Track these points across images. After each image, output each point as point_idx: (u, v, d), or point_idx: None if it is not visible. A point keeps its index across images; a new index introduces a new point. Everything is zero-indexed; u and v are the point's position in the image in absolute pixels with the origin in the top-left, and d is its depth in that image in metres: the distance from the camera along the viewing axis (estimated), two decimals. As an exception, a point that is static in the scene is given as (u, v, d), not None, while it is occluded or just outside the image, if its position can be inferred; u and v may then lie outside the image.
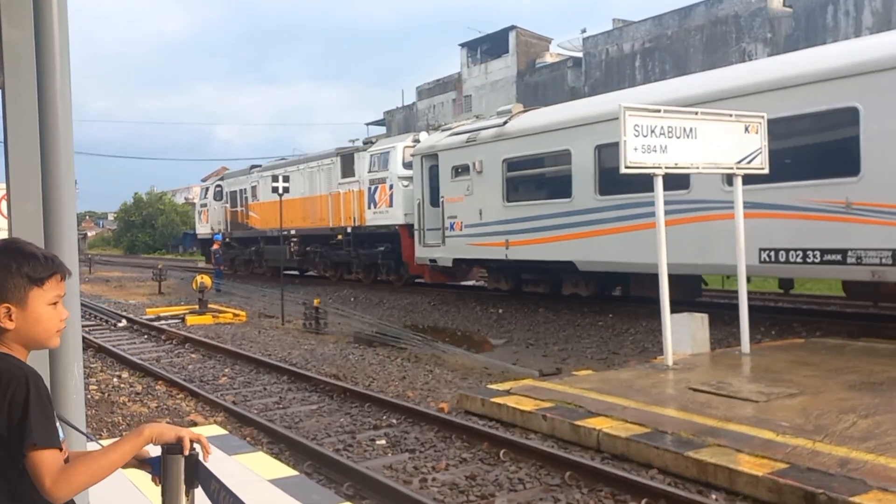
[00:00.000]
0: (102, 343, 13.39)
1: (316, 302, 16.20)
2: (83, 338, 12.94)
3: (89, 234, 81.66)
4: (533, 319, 14.87)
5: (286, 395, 9.28)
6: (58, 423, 1.77)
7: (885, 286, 10.00)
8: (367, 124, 55.96)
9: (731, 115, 9.00)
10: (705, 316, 9.84)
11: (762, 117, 9.16)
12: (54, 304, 1.85)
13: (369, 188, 20.80)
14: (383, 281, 21.48)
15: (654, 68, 32.75)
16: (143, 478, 2.01)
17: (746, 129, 9.06)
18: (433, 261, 18.10)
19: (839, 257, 9.08)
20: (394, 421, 7.71)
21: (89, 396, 9.21)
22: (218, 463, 4.89)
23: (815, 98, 10.06)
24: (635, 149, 8.15)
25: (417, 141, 19.74)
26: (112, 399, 9.29)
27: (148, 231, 66.02)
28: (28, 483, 1.73)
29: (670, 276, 9.87)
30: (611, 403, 6.99)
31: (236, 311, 18.18)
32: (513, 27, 40.51)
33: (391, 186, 19.88)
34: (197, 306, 18.11)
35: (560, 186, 14.24)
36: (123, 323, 16.70)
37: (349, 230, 21.83)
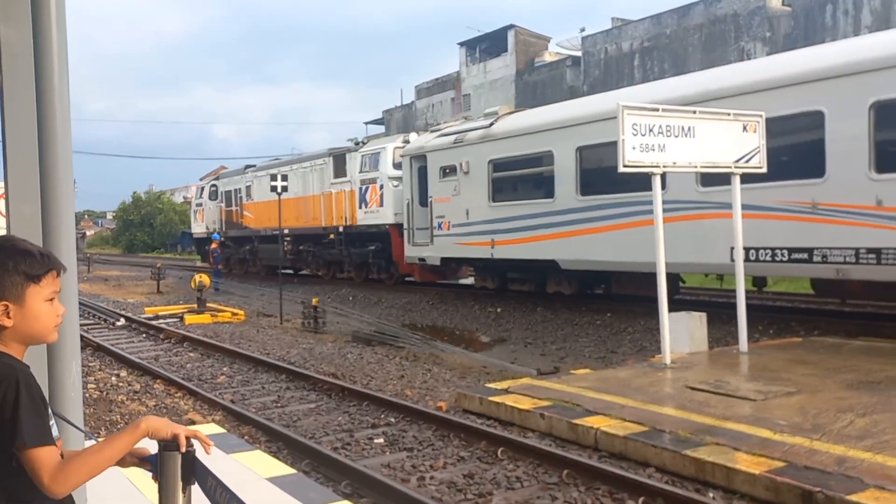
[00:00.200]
0: (101, 342, 13.39)
1: (314, 301, 16.20)
2: (82, 336, 12.94)
3: (88, 233, 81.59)
4: (531, 318, 14.89)
5: (284, 393, 9.29)
6: (52, 421, 1.77)
7: (851, 284, 10.34)
8: (366, 123, 56.00)
9: (729, 114, 9.00)
10: (703, 315, 9.85)
11: (760, 116, 9.18)
12: (51, 300, 1.85)
13: (360, 188, 21.12)
14: (374, 279, 21.77)
15: (652, 67, 32.76)
16: (140, 475, 2.02)
17: (745, 128, 9.06)
18: (422, 259, 18.41)
19: (806, 256, 9.34)
20: (392, 419, 7.72)
21: (88, 395, 9.22)
22: (216, 461, 4.89)
23: (784, 102, 10.26)
24: (633, 148, 8.14)
25: (407, 142, 20.03)
26: (110, 397, 9.29)
27: (146, 230, 65.93)
28: (23, 483, 1.73)
29: (648, 275, 10.03)
30: (608, 402, 7.00)
31: (235, 310, 18.17)
32: (511, 26, 40.52)
33: (381, 186, 20.20)
34: (195, 305, 18.11)
35: (543, 187, 14.60)
36: (122, 322, 16.70)
37: (341, 229, 22.14)
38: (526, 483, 5.63)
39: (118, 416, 8.33)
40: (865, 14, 26.50)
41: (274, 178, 18.54)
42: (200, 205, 33.00)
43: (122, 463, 1.92)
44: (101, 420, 8.16)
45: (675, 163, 8.52)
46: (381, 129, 51.11)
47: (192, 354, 12.55)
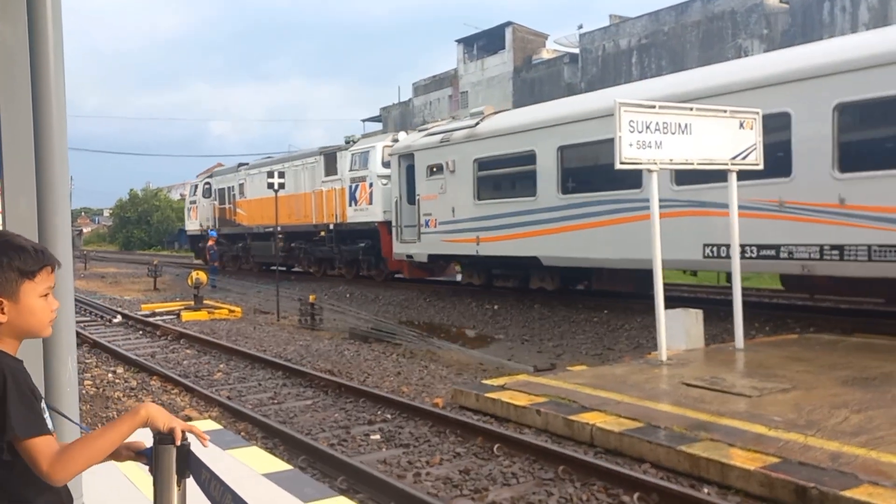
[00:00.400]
0: (98, 339, 13.38)
1: (311, 298, 16.20)
2: (78, 333, 12.95)
3: (85, 230, 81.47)
4: (528, 315, 14.91)
5: (281, 390, 9.30)
6: (47, 414, 1.78)
7: (817, 279, 10.69)
8: (364, 121, 55.96)
9: (725, 111, 9.02)
10: (700, 312, 9.87)
11: (757, 113, 9.20)
12: (45, 295, 1.86)
13: (350, 186, 21.48)
14: (365, 276, 22.11)
15: (650, 64, 32.78)
16: (135, 470, 2.03)
17: (741, 125, 9.08)
18: (410, 256, 18.74)
19: (773, 252, 9.64)
20: (388, 416, 7.73)
21: (84, 392, 9.22)
22: (212, 457, 4.89)
23: (753, 104, 10.42)
24: (630, 144, 8.15)
25: (396, 141, 20.37)
26: (107, 394, 9.30)
27: (143, 227, 65.84)
28: (15, 475, 1.74)
29: (625, 271, 10.18)
30: (604, 398, 7.02)
31: (231, 308, 18.17)
32: (509, 23, 40.50)
33: (371, 185, 20.57)
34: (192, 302, 18.10)
35: (526, 185, 14.96)
36: (119, 319, 16.69)
37: (331, 227, 22.52)
38: (522, 479, 5.65)
39: (114, 413, 8.33)
40: (863, 10, 26.54)
41: (271, 175, 18.63)
42: (194, 202, 33.27)
43: (118, 457, 1.93)
44: (97, 416, 8.17)
45: (671, 160, 8.53)
46: (378, 126, 51.09)
47: (188, 351, 12.55)
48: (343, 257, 22.73)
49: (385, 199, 19.93)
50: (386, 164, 20.05)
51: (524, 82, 39.68)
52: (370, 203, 20.63)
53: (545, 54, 40.30)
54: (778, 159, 10.28)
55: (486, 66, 41.89)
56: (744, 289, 9.85)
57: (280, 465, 5.39)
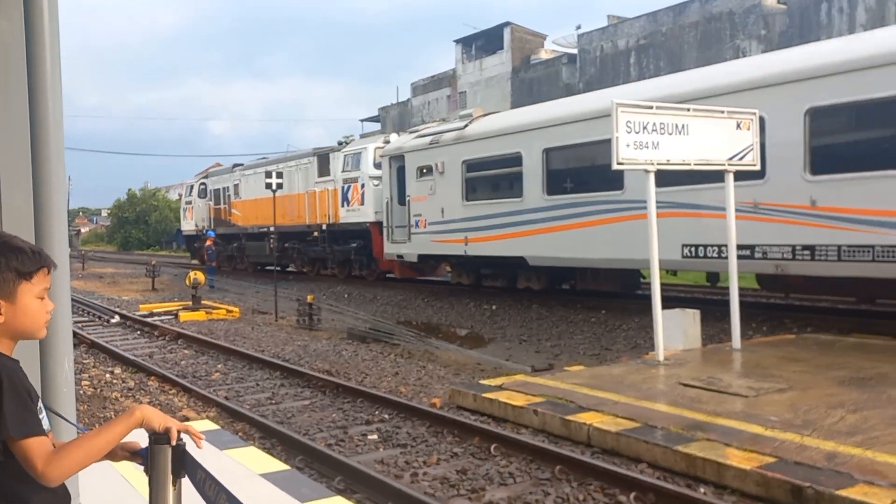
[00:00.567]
0: (95, 339, 13.38)
1: (309, 298, 16.21)
2: (76, 334, 12.96)
3: (83, 230, 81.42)
4: (526, 316, 14.92)
5: (279, 390, 9.30)
6: (43, 414, 1.78)
7: (791, 278, 10.98)
8: (362, 120, 55.96)
9: (722, 112, 9.03)
10: (697, 312, 9.89)
11: (754, 114, 9.21)
12: (41, 296, 1.87)
13: (343, 187, 21.81)
14: (357, 276, 22.39)
15: (648, 65, 32.81)
16: (131, 470, 2.03)
17: (738, 126, 9.09)
18: (400, 256, 19.01)
19: (748, 252, 9.82)
20: (386, 416, 7.73)
21: (82, 392, 9.22)
22: (210, 457, 4.90)
23: (731, 107, 10.54)
24: (627, 145, 8.16)
25: (388, 142, 20.71)
26: (104, 395, 9.29)
27: (141, 227, 65.76)
28: (11, 478, 1.75)
29: (608, 270, 10.22)
30: (601, 398, 7.03)
31: (229, 308, 18.17)
32: (507, 23, 40.52)
33: (363, 185, 20.90)
34: (190, 302, 18.10)
35: (512, 187, 15.27)
36: (116, 319, 16.68)
37: (324, 227, 22.83)
38: (519, 479, 5.65)
39: (112, 413, 8.33)
40: (860, 12, 26.58)
41: (269, 175, 18.72)
42: (190, 203, 33.51)
43: (114, 457, 1.93)
44: (95, 417, 8.16)
45: (668, 160, 8.54)
46: (377, 126, 51.08)
47: (186, 351, 12.55)
48: (336, 257, 23.02)
49: (376, 199, 20.24)
50: (377, 166, 20.35)
51: (522, 82, 39.71)
52: (362, 204, 20.95)
53: (543, 55, 40.33)
54: None
55: (484, 66, 41.91)
56: (741, 289, 9.88)
57: (277, 465, 5.39)
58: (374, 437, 7.00)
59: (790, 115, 10.22)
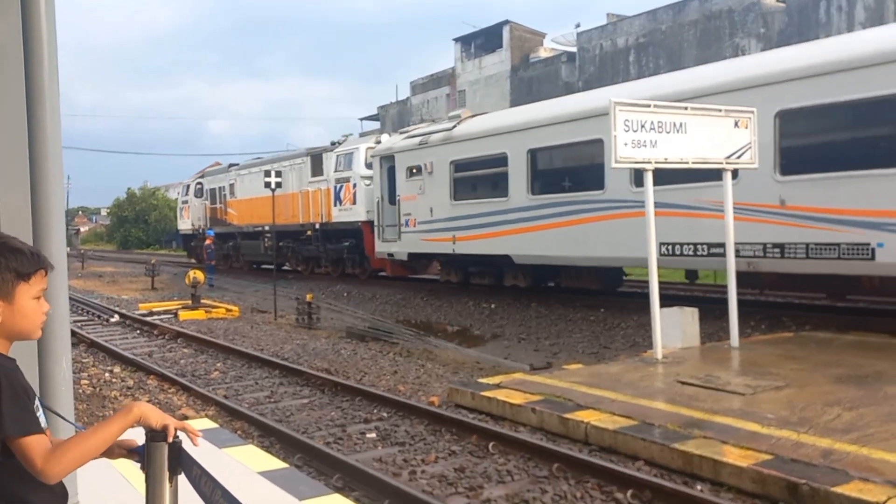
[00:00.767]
0: (95, 338, 13.39)
1: (308, 297, 16.23)
2: (75, 333, 12.95)
3: (82, 229, 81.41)
4: (525, 314, 14.93)
5: (278, 389, 9.32)
6: (41, 413, 1.80)
7: (764, 275, 11.23)
8: (361, 119, 55.96)
9: (720, 111, 9.04)
10: (695, 310, 9.91)
11: (752, 112, 9.23)
12: (38, 297, 1.89)
13: (335, 186, 22.15)
14: (349, 274, 22.68)
15: (647, 63, 32.81)
16: (129, 467, 2.05)
17: (736, 124, 9.11)
18: (391, 255, 19.27)
19: (722, 250, 9.80)
20: (384, 414, 7.75)
21: (81, 391, 9.24)
22: (208, 456, 4.93)
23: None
24: (625, 144, 8.17)
25: (379, 142, 21.02)
26: (104, 393, 9.31)
27: (141, 226, 65.72)
28: (10, 476, 1.77)
29: (590, 268, 10.20)
30: (599, 396, 7.05)
31: (229, 307, 18.18)
32: (506, 22, 40.53)
33: (355, 185, 21.26)
34: (190, 301, 18.12)
35: (498, 187, 15.55)
36: (116, 318, 16.69)
37: (318, 226, 23.15)
38: (516, 476, 5.67)
39: (111, 412, 8.34)
40: (859, 10, 26.58)
41: (268, 174, 18.84)
42: (186, 202, 33.74)
43: (111, 454, 1.95)
44: (94, 416, 8.18)
45: (666, 159, 8.55)
46: (376, 125, 51.06)
47: (185, 350, 12.57)
48: (329, 256, 23.32)
49: (368, 199, 20.54)
50: (369, 166, 20.63)
51: (522, 81, 39.70)
52: (354, 203, 21.28)
53: (543, 53, 40.33)
54: None
55: (483, 64, 41.90)
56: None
57: (276, 464, 5.40)
58: (373, 435, 7.02)
59: (761, 117, 10.25)
